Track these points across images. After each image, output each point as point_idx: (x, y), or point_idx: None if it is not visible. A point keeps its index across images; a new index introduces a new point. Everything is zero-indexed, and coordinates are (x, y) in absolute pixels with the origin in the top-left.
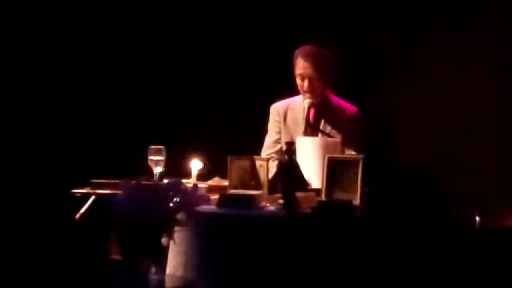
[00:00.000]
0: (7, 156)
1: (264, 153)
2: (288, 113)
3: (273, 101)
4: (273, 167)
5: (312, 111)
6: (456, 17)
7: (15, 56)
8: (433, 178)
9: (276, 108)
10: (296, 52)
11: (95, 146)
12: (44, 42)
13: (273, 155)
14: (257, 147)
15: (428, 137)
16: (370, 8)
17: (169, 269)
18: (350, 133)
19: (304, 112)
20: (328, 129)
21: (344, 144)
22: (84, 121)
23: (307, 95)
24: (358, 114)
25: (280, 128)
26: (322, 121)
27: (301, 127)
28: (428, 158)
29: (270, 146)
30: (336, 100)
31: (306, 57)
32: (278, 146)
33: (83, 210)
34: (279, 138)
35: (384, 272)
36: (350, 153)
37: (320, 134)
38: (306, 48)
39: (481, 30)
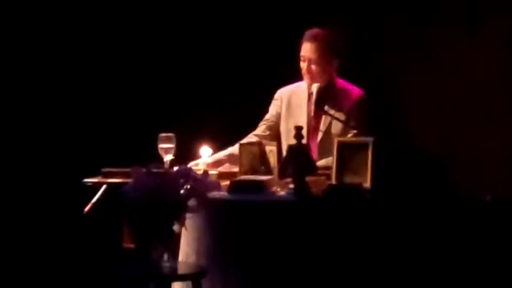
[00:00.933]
0: (18, 147)
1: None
2: (292, 99)
3: (281, 86)
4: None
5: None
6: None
7: (24, 49)
8: (440, 161)
9: (280, 93)
10: (305, 33)
11: (105, 135)
12: (54, 35)
13: (255, 137)
14: None
15: (439, 122)
16: None
17: (181, 256)
18: (355, 115)
19: (313, 96)
20: (332, 111)
21: (349, 126)
22: (94, 110)
23: (307, 76)
24: (363, 97)
25: (277, 112)
26: (326, 105)
27: (304, 112)
28: (439, 140)
29: (259, 126)
30: (341, 83)
31: (311, 39)
32: (267, 120)
33: (93, 201)
34: (272, 121)
35: (395, 254)
36: (354, 135)
37: (324, 116)
38: (314, 30)
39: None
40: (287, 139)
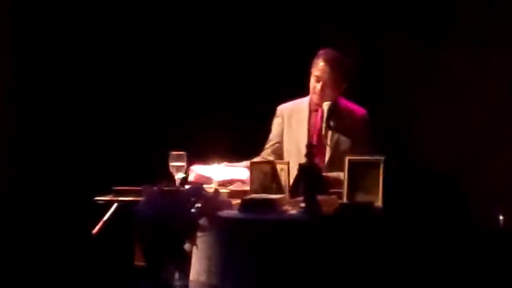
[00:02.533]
0: (31, 164)
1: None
2: (293, 116)
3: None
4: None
5: (320, 113)
6: (476, 18)
7: (36, 66)
8: (453, 179)
9: (281, 110)
10: (319, 53)
11: (117, 153)
12: (68, 53)
13: (262, 158)
14: None
15: (451, 138)
16: (390, 10)
17: (192, 275)
18: (359, 135)
19: (325, 113)
20: (338, 129)
21: (353, 145)
22: (105, 128)
23: (316, 96)
24: (366, 116)
25: (281, 131)
26: (331, 123)
27: (305, 129)
28: (451, 158)
29: (265, 149)
30: (344, 103)
31: (328, 61)
32: (271, 144)
33: (103, 221)
34: (277, 143)
35: (406, 274)
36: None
37: (330, 133)
38: (330, 52)
39: (502, 30)
40: (289, 156)
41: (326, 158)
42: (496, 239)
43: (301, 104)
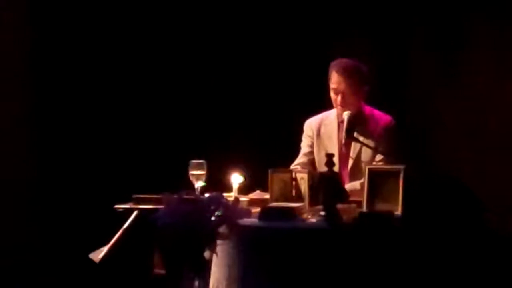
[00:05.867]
0: (50, 172)
1: (293, 166)
2: (322, 128)
3: (311, 113)
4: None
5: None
6: (496, 25)
7: (56, 73)
8: (469, 188)
9: (310, 124)
10: (332, 64)
11: (137, 162)
12: (91, 63)
13: (297, 166)
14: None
15: (468, 147)
16: (409, 16)
17: (212, 283)
18: (384, 142)
19: (344, 124)
20: (361, 138)
21: (378, 153)
22: (126, 136)
23: (339, 107)
24: (391, 123)
25: (312, 143)
26: (356, 131)
27: (335, 141)
28: (469, 168)
29: (299, 159)
30: (369, 110)
31: (341, 71)
32: (305, 159)
33: (122, 230)
34: (310, 152)
35: (426, 283)
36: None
37: (353, 144)
38: (342, 62)
39: None
40: (321, 169)
41: (348, 169)
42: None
43: (329, 117)
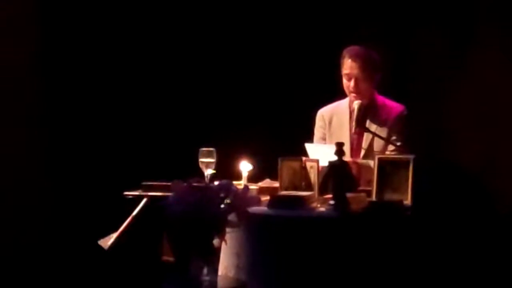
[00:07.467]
0: (60, 160)
1: None
2: (334, 118)
3: (322, 102)
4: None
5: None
6: (507, 16)
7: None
8: (481, 178)
9: (321, 114)
10: (344, 51)
11: (146, 149)
12: (98, 52)
13: None
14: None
15: (480, 138)
16: (421, 9)
17: (221, 270)
18: (396, 131)
19: (354, 113)
20: (374, 127)
21: (390, 142)
22: (135, 123)
23: (353, 95)
24: (404, 112)
25: (324, 135)
26: (368, 121)
27: (347, 130)
28: (481, 157)
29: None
30: (381, 99)
31: (354, 57)
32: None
33: (131, 217)
34: (322, 142)
35: (435, 272)
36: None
37: (365, 134)
38: (354, 48)
39: None
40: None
41: (360, 159)
42: None
43: (341, 106)
